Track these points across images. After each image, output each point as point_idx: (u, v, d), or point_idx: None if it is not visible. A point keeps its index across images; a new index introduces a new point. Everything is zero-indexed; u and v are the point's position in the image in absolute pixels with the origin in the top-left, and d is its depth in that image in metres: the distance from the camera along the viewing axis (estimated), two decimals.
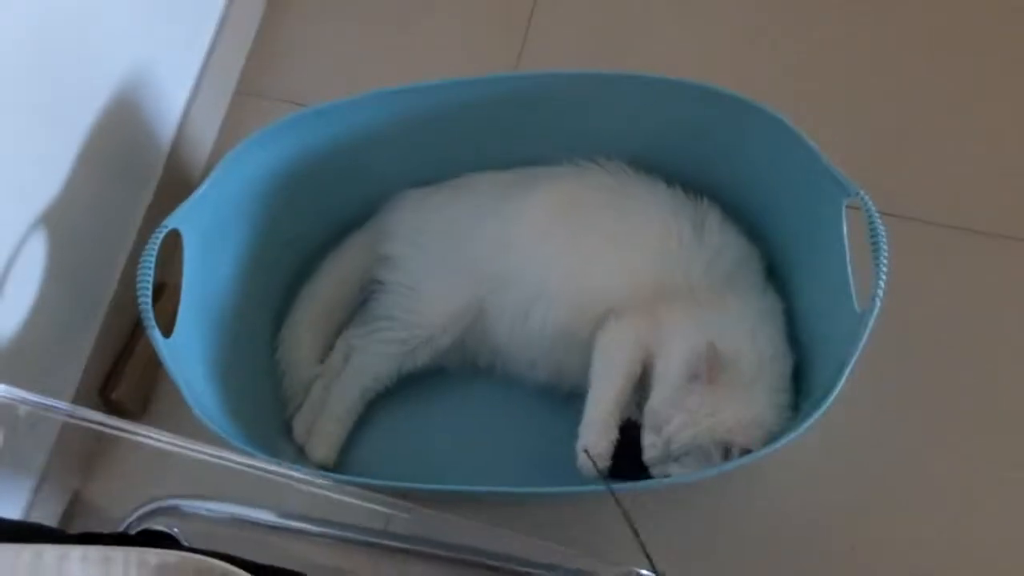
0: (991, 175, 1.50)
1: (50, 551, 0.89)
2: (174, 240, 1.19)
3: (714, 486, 1.20)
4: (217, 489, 1.16)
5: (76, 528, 1.15)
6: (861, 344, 1.08)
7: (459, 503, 1.24)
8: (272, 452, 1.17)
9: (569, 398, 1.29)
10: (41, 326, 1.22)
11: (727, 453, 1.14)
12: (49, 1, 1.15)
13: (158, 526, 1.07)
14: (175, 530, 1.02)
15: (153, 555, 0.90)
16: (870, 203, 1.12)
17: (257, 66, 1.63)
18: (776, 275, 1.32)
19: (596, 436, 1.19)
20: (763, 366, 1.20)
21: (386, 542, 1.22)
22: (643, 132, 1.34)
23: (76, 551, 0.89)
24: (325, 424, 1.32)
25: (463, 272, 1.30)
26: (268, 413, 1.34)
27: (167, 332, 1.14)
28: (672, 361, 1.19)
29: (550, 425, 1.30)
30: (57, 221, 1.21)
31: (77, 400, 1.29)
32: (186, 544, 1.01)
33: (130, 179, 1.39)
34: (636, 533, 0.98)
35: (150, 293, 1.12)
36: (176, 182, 1.44)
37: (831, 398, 1.08)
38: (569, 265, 1.27)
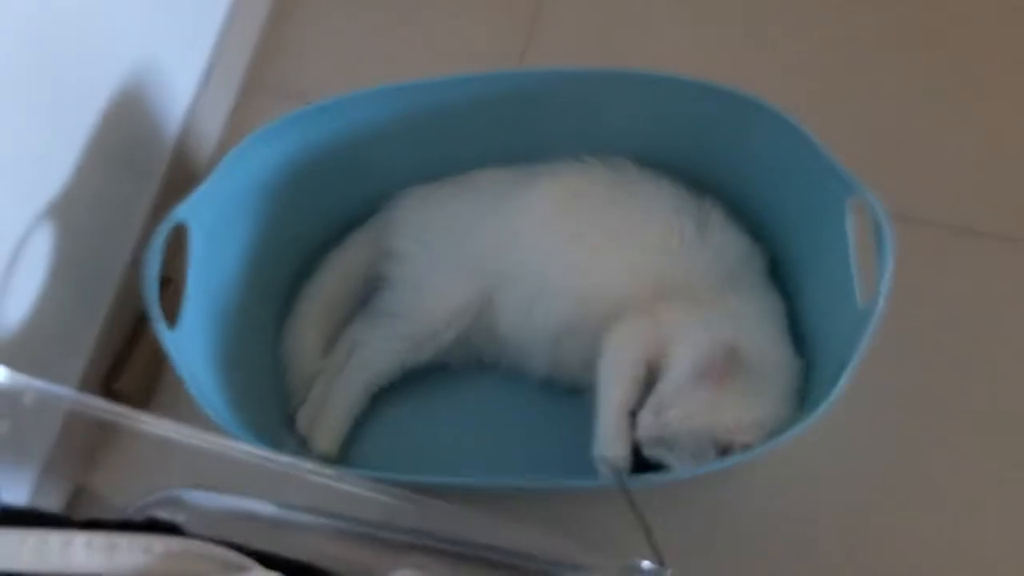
0: (993, 175, 1.50)
1: (55, 537, 0.89)
2: (179, 234, 1.19)
3: (714, 483, 1.20)
4: (221, 481, 1.16)
5: (80, 517, 1.15)
6: (863, 343, 1.09)
7: (459, 497, 1.24)
8: (275, 445, 1.18)
9: (572, 392, 1.29)
10: (46, 318, 1.22)
11: (725, 451, 1.14)
12: None
13: (162, 515, 1.07)
14: (179, 519, 1.02)
15: (158, 542, 0.90)
16: (874, 201, 1.12)
17: (263, 61, 1.64)
18: (778, 273, 1.32)
19: (612, 442, 1.19)
20: (769, 368, 1.20)
21: (388, 535, 1.22)
22: (647, 129, 1.34)
23: (81, 537, 0.89)
24: (328, 418, 1.32)
25: (467, 267, 1.31)
26: (271, 406, 1.34)
27: (172, 325, 1.15)
28: (680, 357, 1.19)
29: (554, 419, 1.31)
30: (62, 214, 1.21)
31: (81, 391, 1.30)
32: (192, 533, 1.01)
33: (135, 173, 1.39)
34: (647, 527, 0.99)
35: (155, 284, 1.13)
36: (181, 177, 1.44)
37: (833, 397, 1.08)
38: (572, 260, 1.27)
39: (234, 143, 1.26)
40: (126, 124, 1.33)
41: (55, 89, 1.19)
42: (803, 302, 1.29)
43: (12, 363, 1.06)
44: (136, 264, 1.24)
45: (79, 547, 0.89)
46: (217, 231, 1.25)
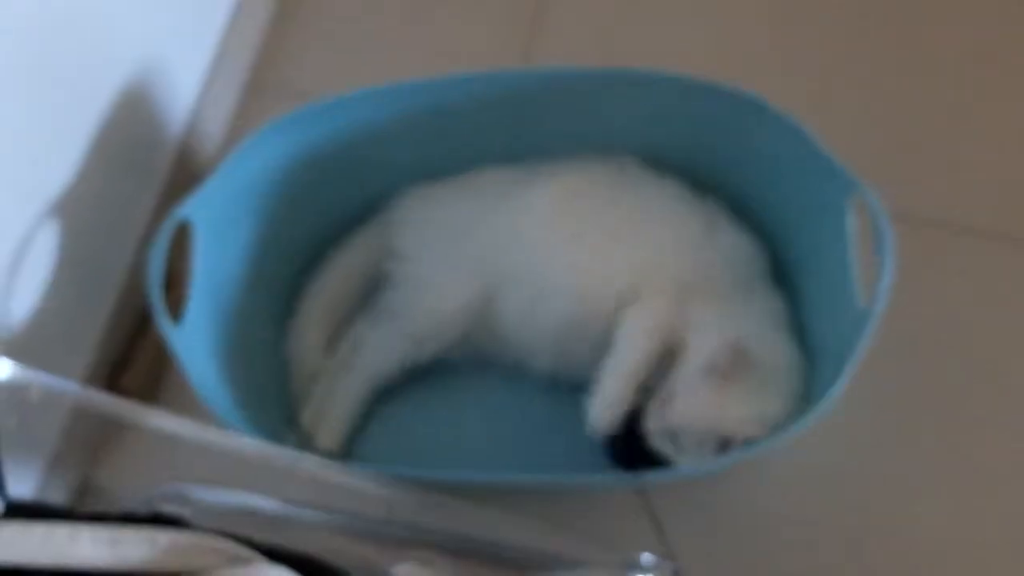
0: (994, 175, 1.51)
1: (61, 529, 0.90)
2: (183, 232, 1.20)
3: (715, 481, 1.21)
4: (224, 476, 1.16)
5: (85, 511, 1.16)
6: (864, 342, 1.09)
7: (462, 494, 1.24)
8: (279, 441, 1.18)
9: (574, 390, 1.30)
10: (50, 315, 1.22)
11: (725, 446, 1.15)
12: None
13: (167, 509, 1.08)
14: (184, 513, 1.03)
15: (163, 535, 0.91)
16: (874, 201, 1.13)
17: (266, 61, 1.64)
18: (779, 273, 1.33)
19: (607, 407, 1.20)
20: (774, 367, 1.21)
21: (391, 531, 1.23)
22: (648, 129, 1.35)
23: (86, 530, 0.90)
24: (331, 416, 1.33)
25: (468, 266, 1.31)
26: (274, 404, 1.34)
27: (176, 322, 1.15)
28: (690, 352, 1.20)
29: (555, 417, 1.31)
30: (66, 212, 1.22)
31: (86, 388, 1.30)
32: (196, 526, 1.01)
33: (139, 172, 1.40)
34: (658, 523, 1.00)
35: (160, 281, 1.13)
36: (185, 175, 1.45)
37: (832, 395, 1.08)
38: (573, 260, 1.28)
39: (237, 142, 1.27)
40: (130, 123, 1.34)
41: (59, 88, 1.20)
42: (803, 301, 1.29)
43: (17, 360, 1.06)
44: (140, 262, 1.25)
45: (85, 540, 0.90)
46: (221, 229, 1.26)
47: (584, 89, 1.33)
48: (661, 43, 1.63)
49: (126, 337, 1.38)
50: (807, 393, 1.21)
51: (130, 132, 1.34)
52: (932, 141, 1.53)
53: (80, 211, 1.25)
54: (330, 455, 1.30)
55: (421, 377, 1.36)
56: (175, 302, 1.17)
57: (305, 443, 1.32)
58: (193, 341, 1.19)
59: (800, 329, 1.28)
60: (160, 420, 1.06)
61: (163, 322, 1.13)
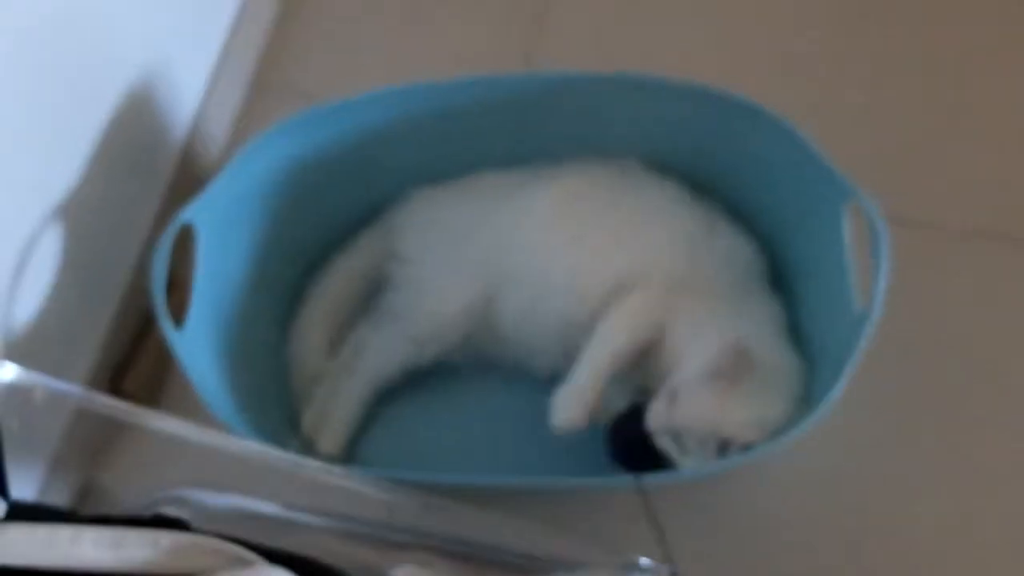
0: (992, 178, 1.51)
1: (64, 531, 0.91)
2: (186, 235, 1.20)
3: (715, 484, 1.21)
4: (226, 479, 1.17)
5: (87, 514, 1.16)
6: (861, 346, 1.10)
7: (462, 496, 1.25)
8: (280, 445, 1.18)
9: None
10: (53, 318, 1.23)
11: (724, 448, 1.15)
12: None
13: (169, 511, 1.09)
14: (186, 514, 1.03)
15: (165, 536, 0.92)
16: (870, 205, 1.14)
17: (270, 64, 1.65)
18: (777, 277, 1.33)
19: (572, 400, 1.21)
20: (776, 370, 1.21)
21: (391, 535, 1.23)
22: (647, 132, 1.35)
23: (89, 531, 0.91)
24: (333, 419, 1.33)
25: (472, 268, 1.32)
26: (276, 408, 1.35)
27: (179, 325, 1.16)
28: (693, 354, 1.20)
29: None
30: (70, 214, 1.22)
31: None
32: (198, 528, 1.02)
33: (143, 174, 1.40)
34: (659, 527, 1.00)
35: (163, 284, 1.14)
36: (188, 178, 1.45)
37: (831, 399, 1.09)
38: (574, 261, 1.29)
39: (241, 145, 1.28)
40: (133, 126, 1.34)
41: (62, 90, 1.20)
42: (801, 305, 1.30)
43: (20, 362, 1.07)
44: (143, 265, 1.25)
45: (87, 541, 0.90)
46: (224, 232, 1.26)
47: (586, 93, 1.34)
48: (661, 47, 1.63)
49: (128, 340, 1.38)
50: (807, 396, 1.21)
51: (134, 135, 1.35)
52: (928, 144, 1.54)
53: (83, 214, 1.25)
54: (331, 459, 1.30)
55: (423, 379, 1.36)
56: (178, 305, 1.18)
57: (306, 446, 1.32)
58: (195, 344, 1.19)
59: (799, 333, 1.28)
60: (162, 423, 1.07)
61: (166, 326, 1.14)
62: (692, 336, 1.23)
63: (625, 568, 1.03)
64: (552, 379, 1.32)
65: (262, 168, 1.31)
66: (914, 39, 1.64)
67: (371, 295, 1.40)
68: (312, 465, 1.11)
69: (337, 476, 1.10)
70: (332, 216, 1.42)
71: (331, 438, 1.32)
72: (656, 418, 1.18)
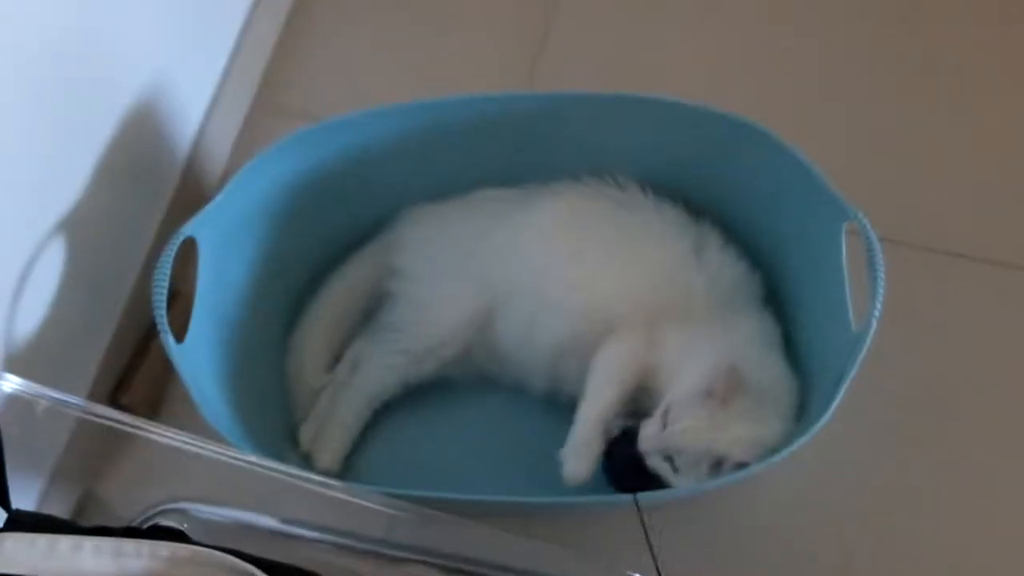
0: (989, 202, 1.53)
1: (64, 541, 0.91)
2: (188, 249, 1.21)
3: (713, 498, 1.22)
4: (226, 494, 1.17)
5: (87, 524, 1.17)
6: (857, 364, 1.11)
7: (459, 512, 1.25)
8: (279, 459, 1.18)
9: (573, 408, 1.30)
10: (55, 330, 1.23)
11: (718, 467, 1.16)
12: (71, 15, 1.18)
13: (168, 522, 1.09)
14: (184, 526, 1.04)
15: (164, 548, 0.92)
16: (868, 226, 1.15)
17: (274, 81, 1.66)
18: (776, 296, 1.34)
19: (576, 454, 1.22)
20: (769, 388, 1.22)
21: (388, 550, 1.24)
22: (649, 152, 1.36)
23: (89, 541, 0.91)
24: (331, 432, 1.34)
25: (470, 284, 1.33)
26: (276, 420, 1.35)
27: (179, 338, 1.16)
28: (685, 374, 1.21)
29: (554, 435, 1.31)
30: (74, 228, 1.23)
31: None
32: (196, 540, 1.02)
33: (146, 189, 1.41)
34: (649, 542, 1.00)
35: (165, 298, 1.14)
36: (191, 194, 1.46)
37: (827, 417, 1.10)
38: (571, 279, 1.29)
39: (243, 161, 1.29)
40: (138, 142, 1.35)
41: (69, 107, 1.21)
42: (800, 324, 1.31)
43: (21, 375, 1.08)
44: (145, 279, 1.26)
45: (87, 551, 0.91)
46: (226, 247, 1.27)
47: (586, 113, 1.35)
48: (660, 68, 1.65)
49: (130, 352, 1.39)
50: (802, 414, 1.22)
51: (138, 151, 1.36)
52: (930, 168, 1.56)
53: (87, 228, 1.26)
54: (329, 473, 1.31)
55: (421, 394, 1.37)
56: (179, 318, 1.18)
57: (305, 460, 1.33)
58: (196, 358, 1.19)
59: (796, 349, 1.29)
60: (162, 435, 1.07)
61: (167, 339, 1.14)
62: (681, 360, 1.24)
63: None
64: (549, 396, 1.33)
65: (264, 184, 1.31)
66: (914, 65, 1.65)
67: (371, 310, 1.41)
68: (310, 478, 1.11)
69: (335, 490, 1.10)
70: (332, 232, 1.43)
71: (329, 452, 1.33)
72: (648, 440, 1.19)
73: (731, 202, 1.36)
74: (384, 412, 1.37)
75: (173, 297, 1.20)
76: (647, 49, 1.68)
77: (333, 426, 1.34)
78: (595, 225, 1.33)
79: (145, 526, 1.12)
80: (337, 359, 1.40)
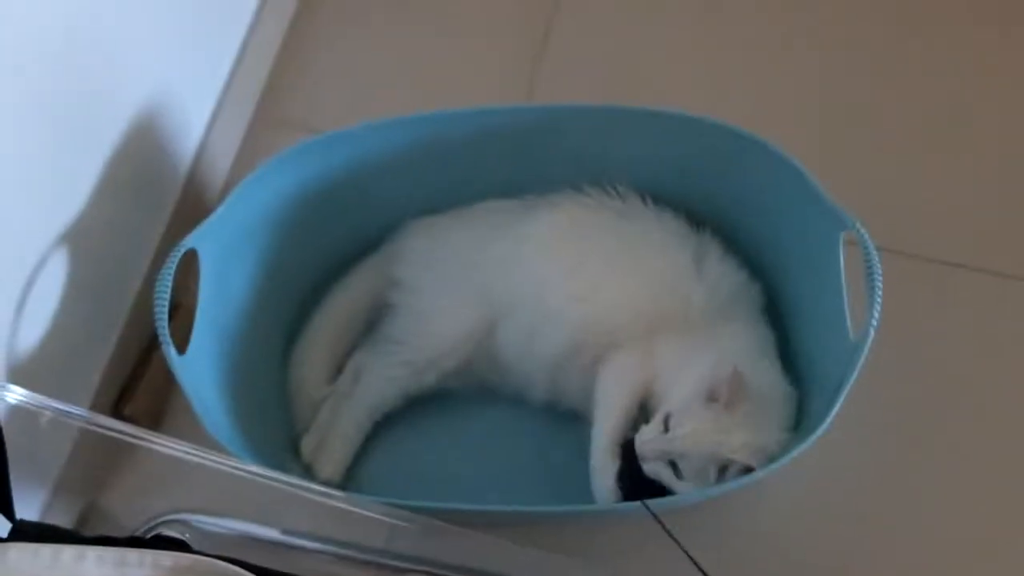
0: (986, 212, 1.54)
1: (68, 551, 0.91)
2: (190, 261, 1.22)
3: (711, 506, 1.22)
4: (228, 504, 1.18)
5: (90, 534, 1.17)
6: (855, 373, 1.11)
7: (462, 523, 1.26)
8: (280, 470, 1.19)
9: (574, 419, 1.32)
10: (58, 342, 1.24)
11: (723, 472, 1.16)
12: (73, 29, 1.19)
13: (171, 533, 1.10)
14: (186, 536, 1.04)
15: (167, 557, 0.92)
16: (866, 236, 1.15)
17: (274, 94, 1.67)
18: (776, 305, 1.35)
19: (599, 477, 1.22)
20: (770, 395, 1.23)
21: (389, 561, 1.24)
22: (649, 163, 1.37)
23: (92, 551, 0.92)
24: (333, 443, 1.34)
25: (470, 295, 1.33)
26: (277, 431, 1.36)
27: (181, 350, 1.17)
28: (687, 380, 1.21)
29: (556, 444, 1.34)
30: (76, 240, 1.24)
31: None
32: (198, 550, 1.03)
33: (148, 202, 1.42)
34: (685, 550, 1.01)
35: (167, 310, 1.15)
36: (193, 206, 1.47)
37: (825, 425, 1.11)
38: (572, 290, 1.30)
39: (245, 174, 1.30)
40: (140, 155, 1.36)
41: (73, 120, 1.22)
42: (799, 333, 1.32)
43: (25, 386, 1.08)
44: (147, 291, 1.26)
45: (91, 561, 0.91)
46: (227, 259, 1.28)
47: (587, 124, 1.36)
48: (663, 80, 1.66)
49: (132, 363, 1.40)
50: (802, 422, 1.22)
51: (140, 164, 1.37)
52: (927, 178, 1.57)
53: (89, 240, 1.27)
54: (331, 483, 1.31)
55: (422, 405, 1.37)
56: (181, 330, 1.19)
57: (307, 471, 1.33)
58: (198, 370, 1.20)
59: (796, 358, 1.30)
60: (164, 446, 1.08)
61: (169, 351, 1.15)
62: (680, 368, 1.24)
63: None
64: (550, 408, 1.34)
65: (265, 197, 1.32)
66: (911, 75, 1.66)
67: (372, 322, 1.41)
68: (312, 488, 1.11)
69: (336, 500, 1.10)
70: (333, 244, 1.44)
71: (331, 463, 1.33)
72: (645, 446, 1.19)
73: (731, 212, 1.37)
74: (385, 423, 1.37)
75: (175, 309, 1.21)
76: (647, 56, 1.69)
77: (334, 437, 1.35)
78: (595, 236, 1.34)
79: (148, 536, 1.13)
80: (338, 371, 1.40)
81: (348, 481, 1.34)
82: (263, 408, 1.35)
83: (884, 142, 1.60)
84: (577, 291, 1.30)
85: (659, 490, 1.19)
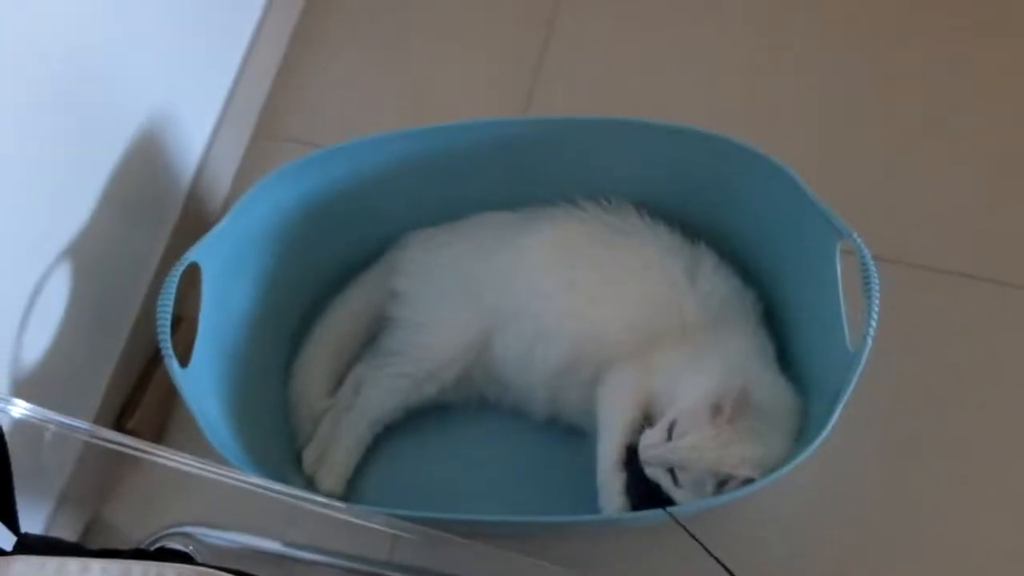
0: (984, 220, 1.54)
1: (72, 563, 0.92)
2: (192, 275, 1.22)
3: (710, 514, 1.23)
4: (231, 516, 1.18)
5: (94, 547, 1.18)
6: (853, 382, 1.12)
7: (458, 532, 1.26)
8: (282, 482, 1.19)
9: (573, 432, 1.32)
10: (61, 356, 1.25)
11: (722, 485, 1.17)
12: (74, 47, 1.20)
13: (175, 545, 1.10)
14: (190, 548, 1.05)
15: (171, 570, 0.93)
16: (862, 245, 1.16)
17: (275, 109, 1.68)
18: (773, 316, 1.36)
19: (607, 494, 1.23)
20: (774, 407, 1.23)
21: (394, 573, 1.24)
22: (646, 175, 1.38)
23: (97, 564, 0.93)
24: (334, 455, 1.35)
25: (469, 308, 1.34)
26: (279, 444, 1.36)
27: (184, 363, 1.17)
28: (688, 392, 1.21)
29: (556, 454, 1.34)
30: (79, 254, 1.25)
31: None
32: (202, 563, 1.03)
33: (150, 217, 1.43)
34: (714, 556, 1.01)
35: (169, 323, 1.16)
36: (194, 221, 1.48)
37: (827, 431, 1.11)
38: (569, 305, 1.31)
39: (246, 188, 1.30)
40: (142, 170, 1.37)
41: (74, 136, 1.23)
42: (796, 343, 1.32)
43: (29, 400, 1.09)
44: (149, 304, 1.27)
45: (95, 573, 0.92)
46: (228, 272, 1.28)
47: (583, 137, 1.37)
48: (659, 92, 1.67)
49: (135, 377, 1.40)
50: (801, 431, 1.23)
51: (141, 179, 1.38)
52: (924, 187, 1.57)
53: (92, 254, 1.27)
54: (332, 496, 1.31)
55: (423, 415, 1.38)
56: (183, 343, 1.19)
57: (308, 483, 1.34)
58: (200, 382, 1.21)
59: (793, 368, 1.30)
60: (167, 459, 1.08)
61: (172, 364, 1.15)
62: (679, 380, 1.24)
63: None
64: (549, 421, 1.34)
65: (266, 210, 1.33)
66: (909, 85, 1.67)
67: (373, 334, 1.42)
68: (314, 499, 1.12)
69: (338, 511, 1.11)
70: (334, 257, 1.44)
71: (332, 475, 1.34)
72: (649, 451, 1.20)
73: (728, 222, 1.38)
74: (386, 435, 1.38)
75: (177, 322, 1.21)
76: (643, 68, 1.70)
77: (336, 449, 1.35)
78: (591, 250, 1.34)
79: (152, 549, 1.13)
80: (339, 383, 1.41)
81: (350, 493, 1.35)
82: (265, 421, 1.35)
83: (882, 151, 1.60)
84: (573, 305, 1.31)
85: (664, 499, 1.20)
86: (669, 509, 1.16)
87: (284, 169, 1.32)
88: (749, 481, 1.15)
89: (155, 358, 1.40)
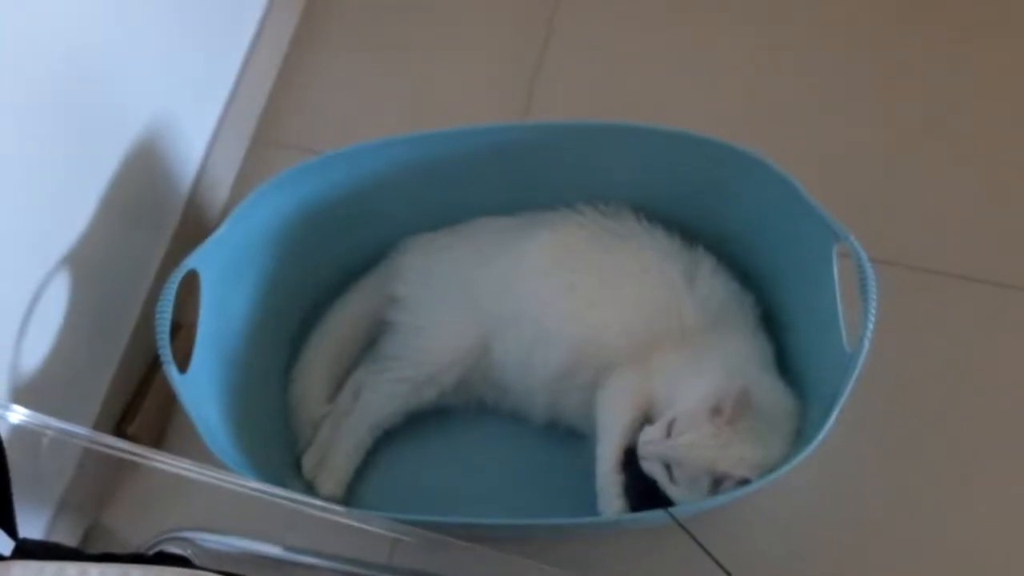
0: (979, 222, 1.54)
1: (71, 568, 0.93)
2: (191, 281, 1.23)
3: (708, 514, 1.23)
4: (230, 522, 1.18)
5: (93, 552, 1.18)
6: (850, 384, 1.12)
7: (458, 535, 1.27)
8: (282, 487, 1.20)
9: (572, 436, 1.33)
10: (61, 362, 1.25)
11: (718, 484, 1.17)
12: (75, 47, 1.20)
13: (174, 549, 1.11)
14: (189, 552, 1.05)
15: (170, 573, 0.93)
16: (859, 248, 1.16)
17: (274, 116, 1.68)
18: (771, 318, 1.36)
19: (607, 498, 1.23)
20: (773, 408, 1.23)
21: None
22: (644, 179, 1.38)
23: (95, 568, 0.93)
24: (334, 460, 1.35)
25: (468, 312, 1.34)
26: (278, 449, 1.36)
27: (183, 369, 1.18)
28: (687, 394, 1.22)
29: (555, 458, 1.35)
30: (79, 261, 1.25)
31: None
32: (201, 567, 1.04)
33: (150, 223, 1.43)
34: (715, 559, 1.02)
35: (168, 329, 1.16)
36: (193, 227, 1.48)
37: (824, 433, 1.11)
38: (568, 309, 1.31)
39: (245, 194, 1.31)
40: (141, 177, 1.37)
41: (73, 142, 1.23)
42: (794, 345, 1.32)
43: (28, 406, 1.09)
44: (148, 310, 1.27)
45: None
46: (227, 279, 1.29)
47: (583, 141, 1.37)
48: (657, 97, 1.67)
49: (134, 383, 1.41)
50: (801, 433, 1.23)
51: (140, 185, 1.38)
52: (920, 189, 1.57)
53: (91, 261, 1.28)
54: (332, 500, 1.30)
55: (423, 419, 1.38)
56: (182, 349, 1.20)
57: (308, 488, 1.34)
58: (199, 387, 1.21)
59: (790, 370, 1.30)
60: (166, 464, 1.08)
61: (171, 371, 1.16)
62: (678, 383, 1.25)
63: None
64: (549, 424, 1.34)
65: (264, 216, 1.33)
66: (906, 88, 1.67)
67: (372, 339, 1.42)
68: (313, 503, 1.12)
69: (338, 515, 1.11)
70: (333, 262, 1.45)
71: (332, 480, 1.34)
72: (647, 447, 1.20)
73: (726, 225, 1.38)
74: (385, 439, 1.38)
75: (176, 329, 1.22)
76: (642, 72, 1.70)
77: (335, 454, 1.35)
78: (590, 255, 1.34)
79: (151, 553, 1.13)
80: (339, 388, 1.41)
81: (349, 497, 1.35)
82: (264, 426, 1.35)
83: (881, 151, 1.61)
84: (573, 309, 1.31)
85: (663, 500, 1.20)
86: (669, 510, 1.16)
87: (283, 175, 1.32)
88: (745, 482, 1.15)
89: (155, 364, 1.40)
